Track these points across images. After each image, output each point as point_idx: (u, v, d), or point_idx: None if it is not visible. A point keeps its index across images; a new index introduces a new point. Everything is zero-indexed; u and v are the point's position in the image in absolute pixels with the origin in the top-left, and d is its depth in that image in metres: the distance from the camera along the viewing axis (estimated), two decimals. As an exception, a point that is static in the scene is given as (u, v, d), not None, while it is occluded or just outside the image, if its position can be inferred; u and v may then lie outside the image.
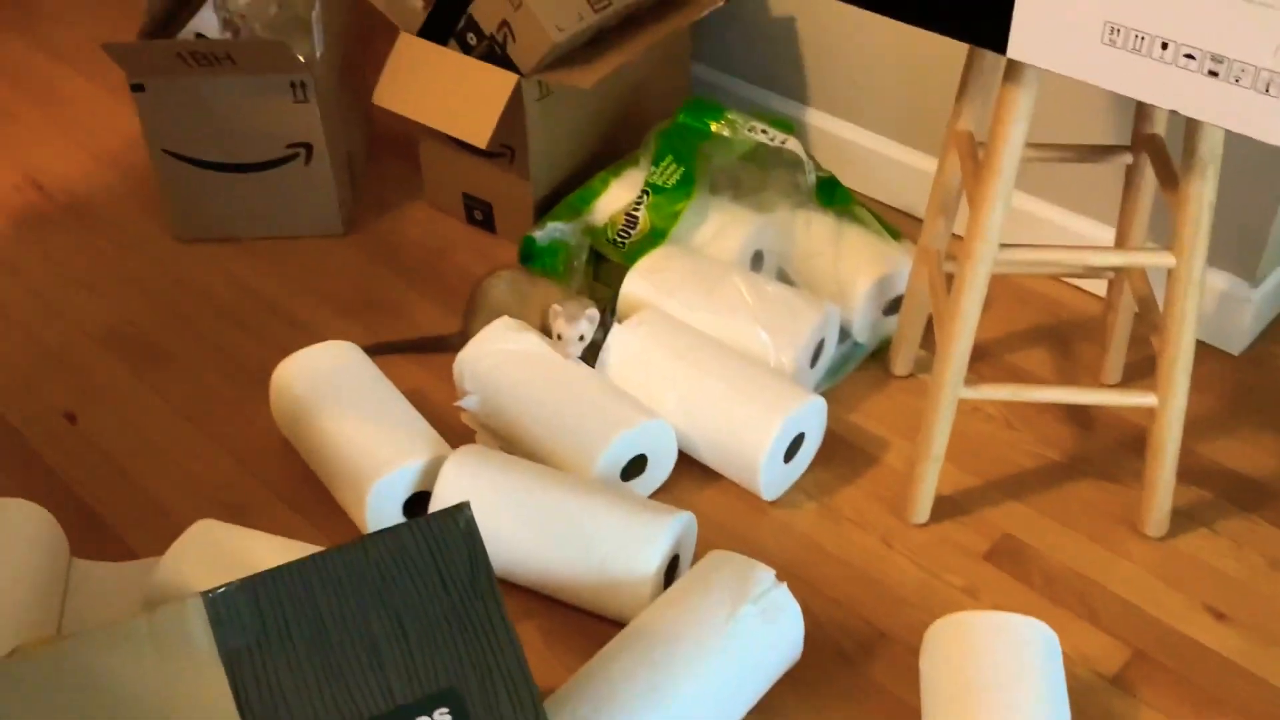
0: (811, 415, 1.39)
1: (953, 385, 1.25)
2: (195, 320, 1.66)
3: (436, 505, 1.27)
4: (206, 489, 1.41)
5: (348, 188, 1.83)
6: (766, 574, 1.15)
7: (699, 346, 1.42)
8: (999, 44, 1.05)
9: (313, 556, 0.90)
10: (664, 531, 1.21)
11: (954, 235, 1.52)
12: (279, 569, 0.89)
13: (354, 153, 1.87)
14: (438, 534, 0.93)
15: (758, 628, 1.12)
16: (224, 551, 1.18)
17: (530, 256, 1.66)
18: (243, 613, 0.87)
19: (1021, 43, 1.03)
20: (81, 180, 1.93)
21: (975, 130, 1.31)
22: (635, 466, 1.37)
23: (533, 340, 1.42)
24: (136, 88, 1.66)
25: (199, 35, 1.73)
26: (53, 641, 0.93)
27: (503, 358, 1.40)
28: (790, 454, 1.39)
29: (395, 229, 1.83)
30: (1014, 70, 1.09)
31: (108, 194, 1.90)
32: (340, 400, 1.35)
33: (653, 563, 1.20)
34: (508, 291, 1.52)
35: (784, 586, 1.15)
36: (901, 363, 1.54)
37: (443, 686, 0.89)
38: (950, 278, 1.34)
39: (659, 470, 1.40)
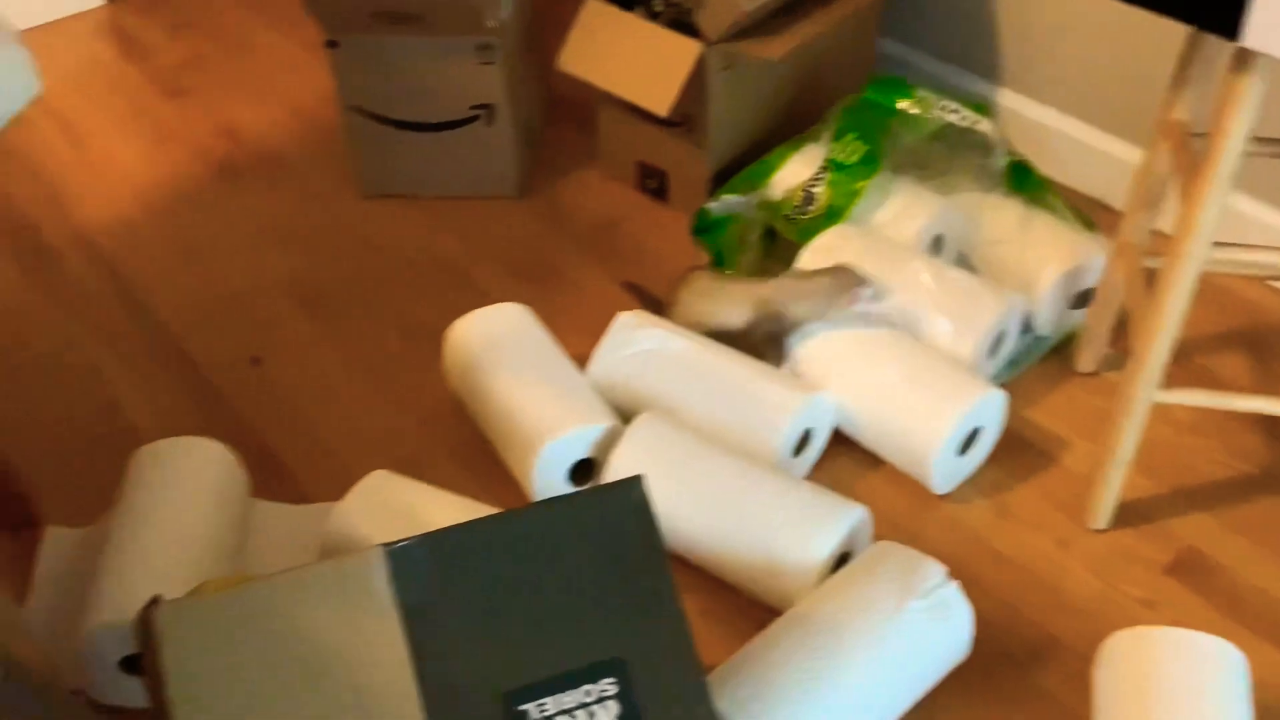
0: (991, 409, 1.34)
1: (1148, 387, 1.19)
2: (373, 275, 1.70)
3: (613, 471, 1.27)
4: (379, 441, 1.45)
5: (525, 151, 1.84)
6: (936, 569, 1.11)
7: (874, 331, 1.39)
8: (1230, 29, 0.98)
9: (490, 517, 0.91)
10: (838, 522, 1.19)
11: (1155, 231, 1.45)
12: (458, 527, 0.91)
13: (532, 117, 1.88)
14: (612, 505, 0.93)
15: (925, 624, 1.09)
16: (397, 503, 1.21)
17: (704, 229, 1.64)
18: (422, 568, 0.88)
19: (1259, 30, 0.96)
20: (273, 132, 1.99)
21: (1190, 120, 1.24)
22: (801, 444, 1.35)
23: (663, 334, 1.40)
24: (331, 44, 1.70)
25: (392, -6, 1.77)
26: (236, 581, 0.97)
27: (641, 361, 1.38)
28: (965, 447, 1.34)
29: (568, 195, 1.83)
30: (1245, 59, 1.02)
31: (298, 147, 1.95)
32: (512, 363, 1.37)
33: (823, 552, 1.17)
34: (710, 288, 1.46)
35: (954, 585, 1.11)
36: (1087, 359, 1.48)
37: (610, 656, 0.89)
38: (1150, 274, 1.27)
39: (819, 441, 1.37)
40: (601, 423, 1.31)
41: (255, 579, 0.91)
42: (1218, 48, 1.20)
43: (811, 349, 1.40)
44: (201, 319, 1.64)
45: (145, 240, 1.77)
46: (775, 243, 1.64)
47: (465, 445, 1.42)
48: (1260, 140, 1.23)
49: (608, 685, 0.88)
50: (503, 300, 1.61)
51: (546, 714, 0.87)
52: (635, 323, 1.43)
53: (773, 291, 1.42)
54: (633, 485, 0.93)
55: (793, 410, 1.31)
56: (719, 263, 1.60)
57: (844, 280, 1.39)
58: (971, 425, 1.32)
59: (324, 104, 2.04)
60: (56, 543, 1.29)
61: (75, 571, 1.24)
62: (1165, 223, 1.47)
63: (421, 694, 0.85)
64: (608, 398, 1.39)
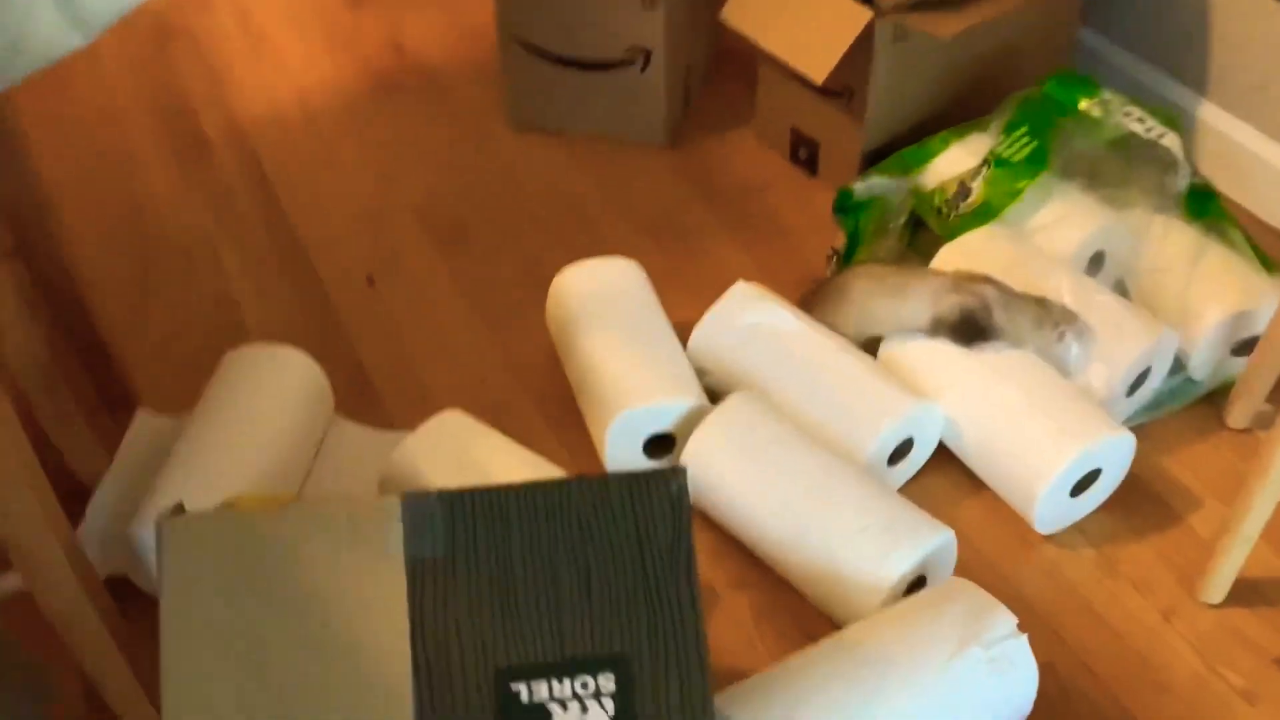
0: (1114, 451, 1.22)
1: (1291, 460, 1.05)
2: (505, 209, 1.67)
3: (691, 450, 1.21)
4: (470, 378, 1.43)
5: (679, 101, 1.78)
6: (1007, 619, 1.01)
7: (1015, 360, 1.28)
8: None
9: (515, 486, 0.87)
10: (915, 544, 1.10)
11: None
12: (480, 490, 0.87)
13: (693, 67, 1.81)
14: (646, 495, 0.87)
15: (982, 676, 0.99)
16: (463, 447, 1.18)
17: (845, 208, 1.54)
18: (437, 526, 0.85)
19: None
20: (438, 53, 1.98)
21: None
22: (899, 452, 1.26)
23: (779, 311, 1.32)
24: (496, -31, 1.67)
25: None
26: (271, 501, 0.96)
27: (748, 333, 1.31)
28: (1080, 489, 1.22)
29: (716, 153, 1.76)
30: None
31: (459, 70, 1.94)
32: (608, 322, 1.32)
33: (896, 571, 1.09)
34: (876, 289, 1.32)
35: (1024, 639, 1.01)
36: (1240, 414, 1.33)
37: (615, 652, 0.84)
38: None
39: (922, 453, 1.28)
40: (686, 397, 1.24)
41: (285, 504, 0.90)
42: None
43: (931, 353, 1.30)
44: (330, 230, 1.64)
45: (295, 144, 1.78)
46: (918, 234, 1.53)
47: (554, 398, 1.38)
48: None
49: (606, 681, 0.83)
50: (626, 251, 1.57)
51: (538, 699, 0.83)
52: (752, 293, 1.35)
53: (969, 294, 1.28)
54: (671, 478, 0.87)
55: (897, 414, 1.22)
56: (853, 246, 1.50)
57: (1053, 314, 1.27)
58: (1090, 465, 1.21)
59: (492, 29, 2.01)
60: (143, 427, 1.32)
61: (153, 458, 1.26)
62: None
63: (413, 655, 0.82)
64: (706, 369, 1.33)
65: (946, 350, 1.28)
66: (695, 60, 1.81)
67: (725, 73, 1.89)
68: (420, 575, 0.84)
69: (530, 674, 0.83)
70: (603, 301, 1.34)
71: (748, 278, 1.54)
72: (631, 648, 0.84)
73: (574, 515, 0.86)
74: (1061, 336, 1.25)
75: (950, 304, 1.28)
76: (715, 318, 1.34)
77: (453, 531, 0.85)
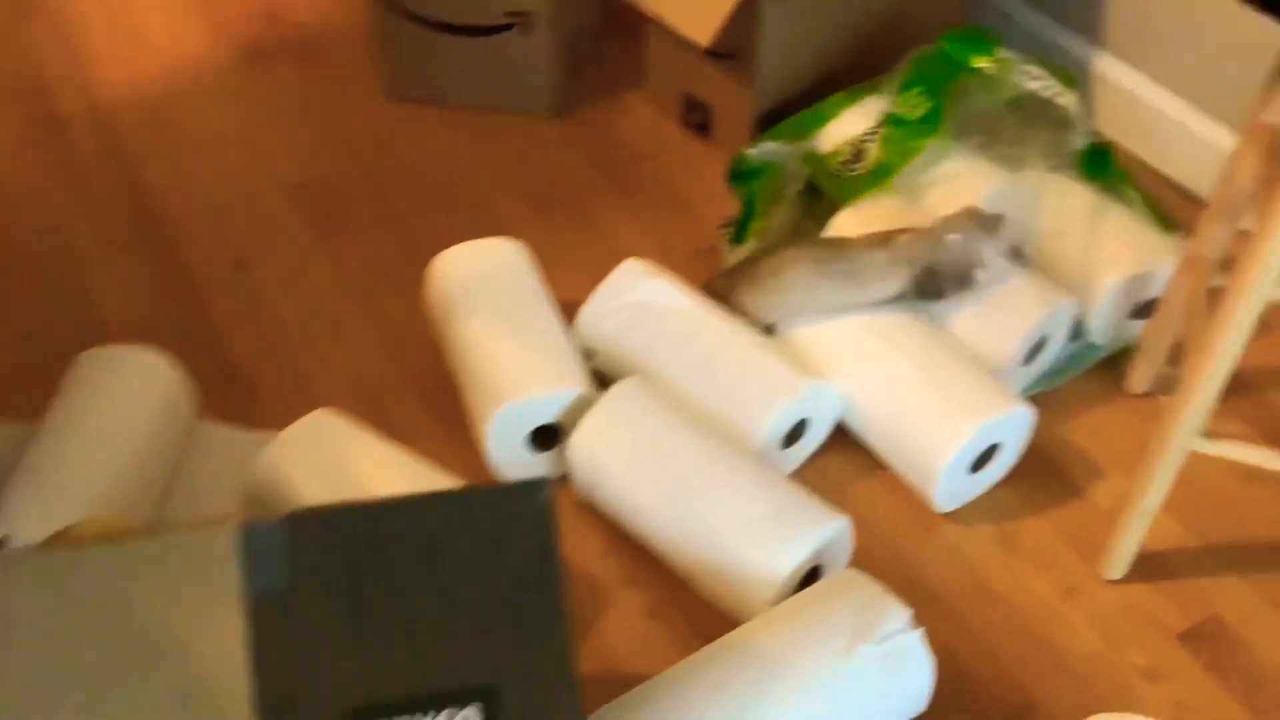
0: (1013, 425, 1.18)
1: (1187, 432, 1.02)
2: (384, 184, 1.59)
3: (577, 443, 1.15)
4: (350, 367, 1.35)
5: (565, 68, 1.70)
6: (899, 613, 0.98)
7: (896, 320, 1.23)
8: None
9: (366, 506, 0.80)
10: (808, 535, 1.06)
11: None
12: (327, 512, 0.80)
13: (580, 29, 1.73)
14: (509, 512, 0.81)
15: (874, 674, 0.95)
16: (333, 453, 1.11)
17: (739, 175, 1.48)
18: (279, 555, 0.78)
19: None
20: (312, 19, 1.87)
21: (1290, 123, 1.04)
22: (794, 434, 1.22)
23: (669, 289, 1.26)
24: (363, -70, 1.57)
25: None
26: (112, 526, 0.88)
27: (638, 312, 1.25)
28: (979, 464, 1.19)
29: (606, 120, 1.69)
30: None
31: (334, 39, 1.83)
32: (488, 309, 1.25)
33: (786, 565, 1.05)
34: (822, 275, 1.24)
35: (917, 633, 0.97)
36: (1141, 378, 1.30)
37: (480, 683, 0.78)
38: (1216, 294, 1.09)
39: (817, 434, 1.24)
40: (570, 387, 1.18)
41: (122, 533, 0.82)
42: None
43: (823, 332, 1.25)
44: (198, 213, 1.54)
45: (159, 121, 1.67)
46: (815, 201, 1.48)
47: (440, 389, 1.31)
48: (1373, 158, 1.03)
49: (473, 714, 0.78)
50: (511, 229, 1.50)
51: (397, 738, 0.77)
52: (641, 270, 1.29)
53: (902, 250, 1.23)
54: (535, 493, 0.81)
55: (789, 394, 1.18)
56: (748, 215, 1.44)
57: (984, 222, 1.24)
58: (989, 440, 1.17)
59: (368, -7, 1.91)
60: (-8, 438, 1.22)
61: (4, 469, 1.17)
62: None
63: (255, 700, 0.75)
64: (594, 349, 1.27)
65: (842, 327, 1.23)
66: (582, 22, 1.73)
67: (615, 34, 1.81)
68: (261, 612, 0.77)
69: (388, 713, 0.77)
70: (482, 286, 1.27)
71: (641, 250, 1.49)
72: (499, 675, 0.78)
73: (433, 535, 0.80)
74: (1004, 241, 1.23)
75: (916, 268, 1.23)
76: (603, 296, 1.28)
77: (297, 560, 0.78)
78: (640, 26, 1.69)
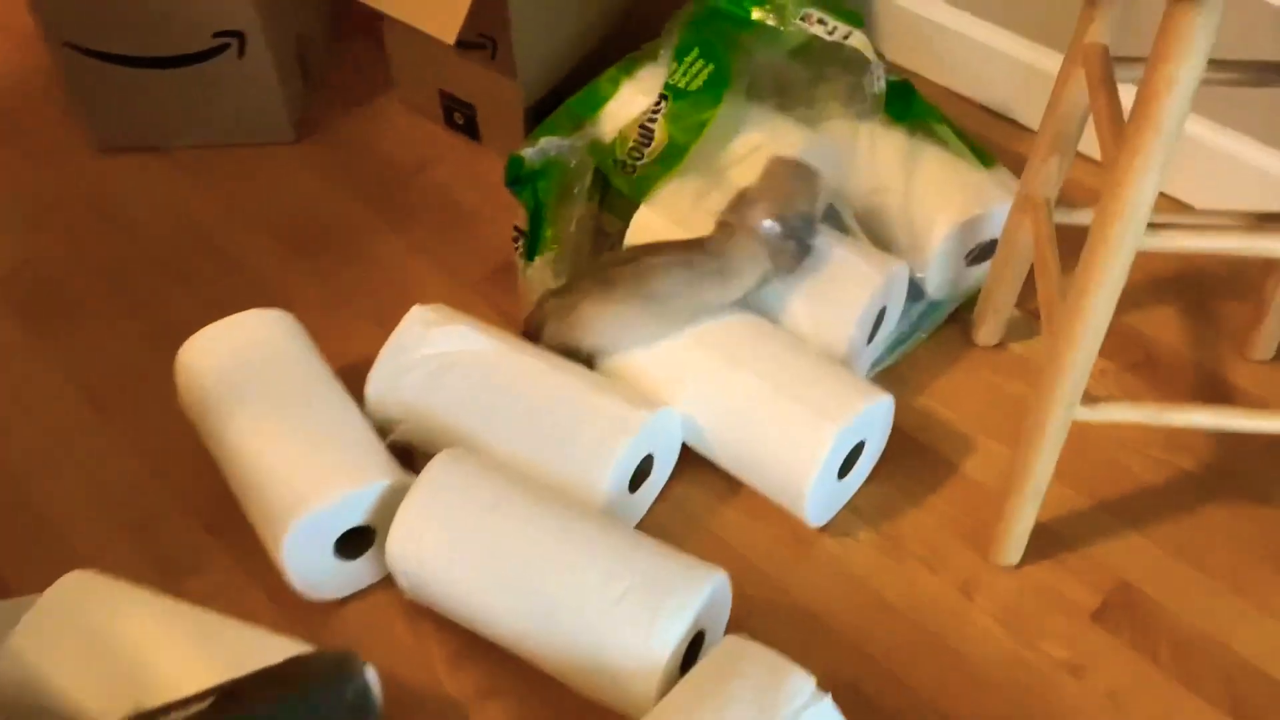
0: (874, 419, 1.06)
1: (1066, 404, 0.92)
2: (110, 256, 1.35)
3: (392, 548, 0.98)
4: (109, 494, 1.13)
5: (298, 83, 1.48)
6: (803, 683, 0.84)
7: (726, 323, 1.09)
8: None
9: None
10: (681, 607, 0.91)
11: (1082, 156, 1.15)
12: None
13: (308, 37, 1.51)
14: (318, 707, 0.63)
15: (792, 761, 0.82)
16: (89, 623, 0.90)
17: (518, 180, 1.31)
18: None
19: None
20: (-13, 70, 1.59)
21: (1112, 43, 0.94)
22: (641, 472, 1.07)
23: (465, 332, 1.09)
24: (17, -36, 1.31)
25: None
26: None
27: (435, 367, 1.08)
28: (846, 468, 1.07)
29: (360, 134, 1.48)
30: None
31: (18, 97, 1.56)
32: (255, 398, 1.04)
33: (666, 646, 0.90)
34: (687, 277, 1.07)
35: (826, 700, 0.84)
36: (989, 329, 1.20)
37: None
38: (1063, 232, 0.99)
39: (665, 466, 1.10)
40: (370, 480, 1.00)
41: None
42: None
43: (648, 356, 1.10)
44: (-117, 336, 1.28)
45: None
46: (611, 194, 1.32)
47: (218, 503, 1.10)
48: (1216, 64, 0.93)
49: None
50: (273, 284, 1.30)
51: None
52: (432, 317, 1.11)
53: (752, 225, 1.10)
54: (345, 679, 0.64)
55: (628, 432, 1.02)
56: (537, 222, 1.27)
57: (799, 170, 1.12)
58: (852, 442, 1.05)
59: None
60: None
61: None
62: (1077, 169, 1.20)
63: None
64: (394, 419, 1.09)
65: (667, 347, 1.09)
66: (309, 27, 1.51)
67: (350, 35, 1.60)
68: None
69: None
70: (241, 373, 1.07)
71: (427, 282, 1.31)
72: None
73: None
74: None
75: (772, 238, 1.10)
76: (390, 356, 1.10)
77: None
78: (376, 23, 1.48)
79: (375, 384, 1.09)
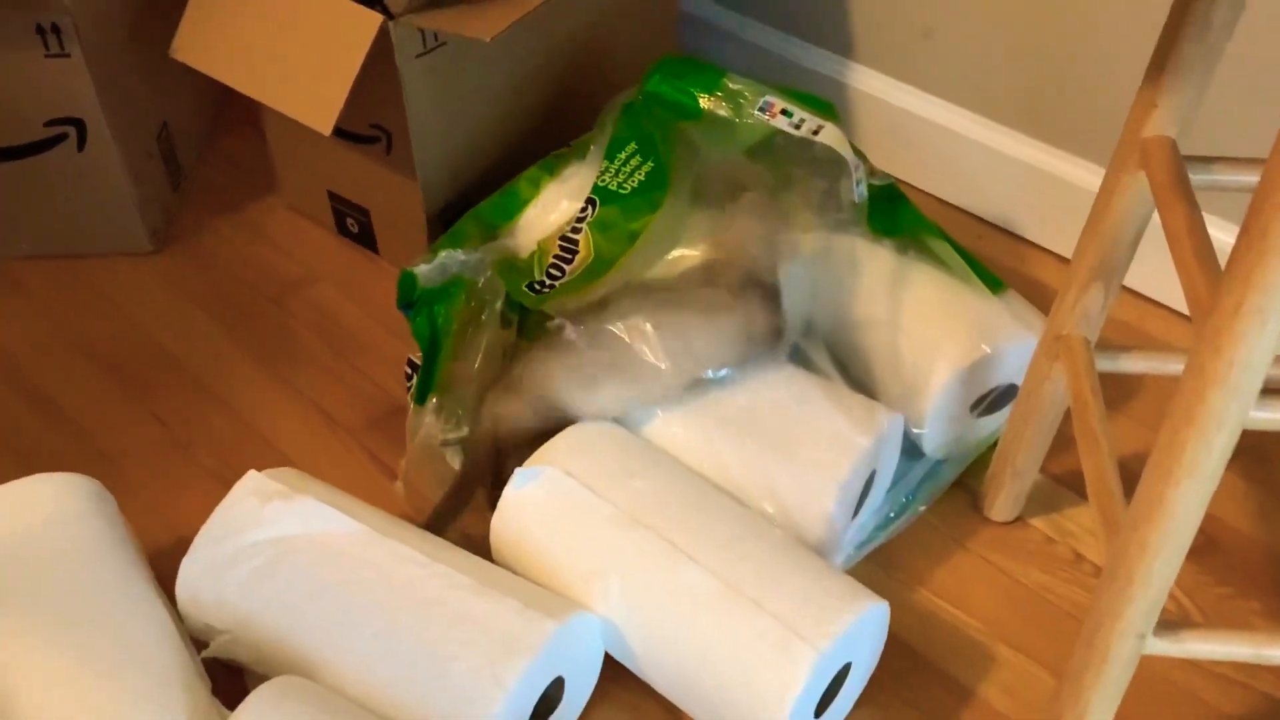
0: (864, 633, 0.79)
1: (1136, 633, 0.65)
2: (-102, 397, 1.07)
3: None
4: None
5: (160, 181, 1.23)
6: None
7: (669, 500, 0.83)
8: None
9: None
10: None
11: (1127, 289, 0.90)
12: None
13: (175, 126, 1.26)
14: None
15: None
16: None
17: (411, 303, 1.05)
18: None
19: None
20: None
21: (1179, 135, 0.70)
22: (548, 700, 0.79)
23: (314, 508, 0.81)
24: None
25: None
26: None
27: (268, 556, 0.80)
28: (826, 700, 0.79)
29: (235, 243, 1.22)
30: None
31: None
32: (30, 602, 0.76)
33: None
34: (688, 327, 0.88)
35: None
36: (1005, 501, 0.94)
37: None
38: (1109, 381, 0.74)
39: (579, 692, 0.82)
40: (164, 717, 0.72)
41: None
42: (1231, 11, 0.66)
43: (567, 536, 0.83)
44: None
45: None
46: (531, 317, 1.06)
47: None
48: None
49: None
50: (101, 434, 1.02)
51: None
52: (269, 489, 0.83)
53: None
54: None
55: (521, 657, 0.74)
56: (433, 355, 1.01)
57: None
58: (836, 667, 0.78)
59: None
60: None
61: None
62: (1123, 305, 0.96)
63: None
64: (215, 628, 0.80)
65: (584, 524, 0.81)
66: (176, 115, 1.26)
67: (235, 124, 1.35)
68: None
69: None
70: (14, 566, 0.78)
71: (292, 427, 1.04)
72: None
73: None
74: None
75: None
76: (212, 542, 0.82)
77: None
78: (258, 113, 1.24)
79: (189, 579, 0.81)
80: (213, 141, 1.34)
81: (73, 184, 1.15)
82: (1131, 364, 0.79)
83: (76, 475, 0.86)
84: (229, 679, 0.82)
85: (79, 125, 1.12)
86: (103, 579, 0.79)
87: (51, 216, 1.18)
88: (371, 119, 1.09)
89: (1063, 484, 0.96)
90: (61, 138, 1.13)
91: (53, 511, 0.83)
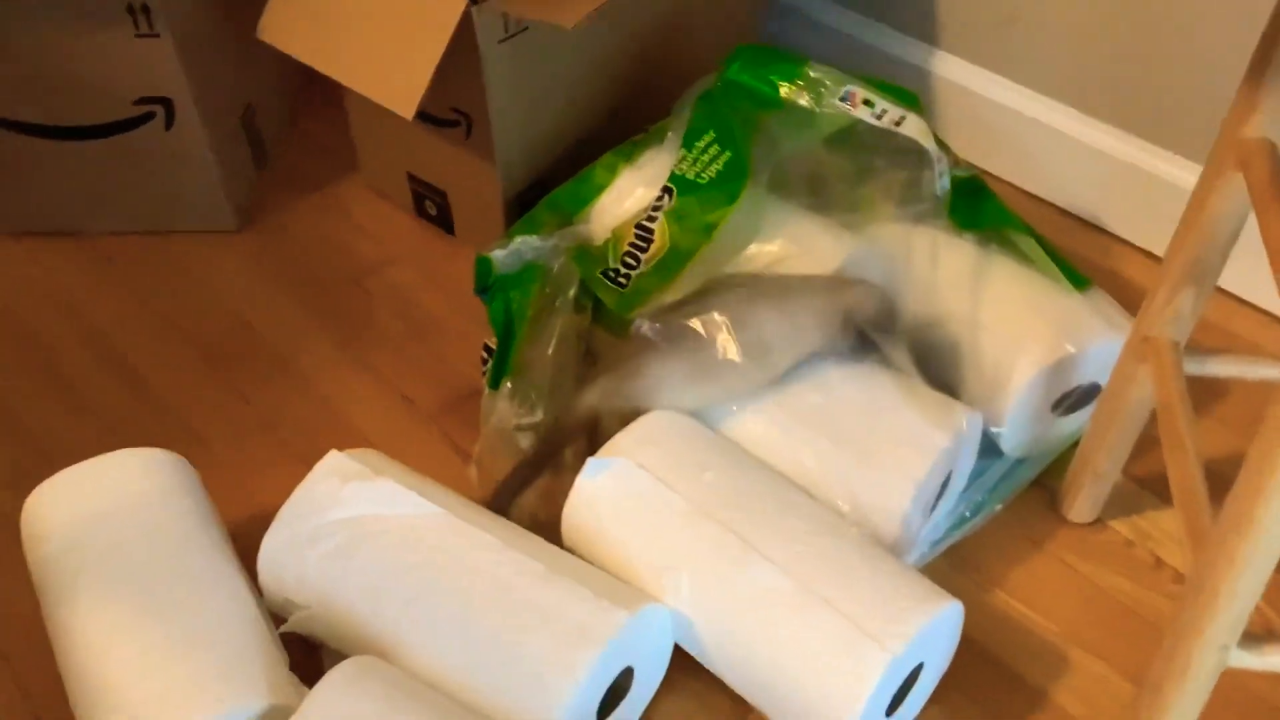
0: (938, 635, 0.78)
1: (1219, 644, 0.64)
2: (-7, 369, 1.11)
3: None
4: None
5: (244, 159, 1.25)
6: None
7: (740, 494, 0.82)
8: None
9: None
10: None
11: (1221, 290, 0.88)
12: None
13: (260, 107, 1.28)
14: None
15: None
16: None
17: (487, 288, 1.05)
18: None
19: None
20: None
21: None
22: (617, 690, 0.79)
23: (393, 491, 0.82)
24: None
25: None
26: None
27: (348, 537, 0.81)
28: (898, 700, 0.79)
29: (315, 224, 1.24)
30: None
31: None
32: (104, 574, 0.78)
33: None
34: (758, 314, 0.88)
35: None
36: (1084, 502, 0.92)
37: None
38: (1198, 385, 0.72)
39: (648, 682, 0.82)
40: (243, 702, 0.73)
41: None
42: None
43: (640, 530, 0.83)
44: None
45: None
46: (604, 309, 1.06)
47: (62, 700, 0.84)
48: None
49: None
50: (183, 409, 1.04)
51: None
52: (350, 469, 0.85)
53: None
54: None
55: (592, 648, 0.75)
56: (507, 341, 1.01)
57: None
58: (908, 668, 0.77)
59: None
60: None
61: None
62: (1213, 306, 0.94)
63: None
64: (294, 603, 0.82)
65: (657, 524, 0.82)
66: (261, 98, 1.28)
67: (318, 105, 1.37)
68: None
69: None
70: (92, 541, 0.81)
71: (370, 408, 1.05)
72: None
73: None
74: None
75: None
76: (293, 520, 0.83)
77: None
78: (342, 95, 1.25)
79: (270, 555, 0.83)
80: (295, 122, 1.36)
81: (160, 162, 1.17)
82: (1220, 368, 0.77)
83: (162, 450, 0.88)
84: (305, 654, 0.83)
85: (167, 104, 1.14)
86: (185, 554, 0.81)
87: (139, 193, 1.20)
88: (452, 103, 1.09)
89: (1145, 487, 0.94)
90: (150, 116, 1.15)
91: (138, 486, 0.85)
